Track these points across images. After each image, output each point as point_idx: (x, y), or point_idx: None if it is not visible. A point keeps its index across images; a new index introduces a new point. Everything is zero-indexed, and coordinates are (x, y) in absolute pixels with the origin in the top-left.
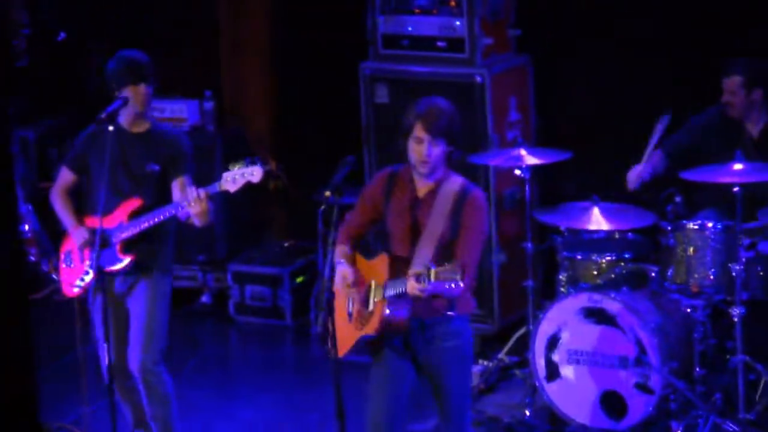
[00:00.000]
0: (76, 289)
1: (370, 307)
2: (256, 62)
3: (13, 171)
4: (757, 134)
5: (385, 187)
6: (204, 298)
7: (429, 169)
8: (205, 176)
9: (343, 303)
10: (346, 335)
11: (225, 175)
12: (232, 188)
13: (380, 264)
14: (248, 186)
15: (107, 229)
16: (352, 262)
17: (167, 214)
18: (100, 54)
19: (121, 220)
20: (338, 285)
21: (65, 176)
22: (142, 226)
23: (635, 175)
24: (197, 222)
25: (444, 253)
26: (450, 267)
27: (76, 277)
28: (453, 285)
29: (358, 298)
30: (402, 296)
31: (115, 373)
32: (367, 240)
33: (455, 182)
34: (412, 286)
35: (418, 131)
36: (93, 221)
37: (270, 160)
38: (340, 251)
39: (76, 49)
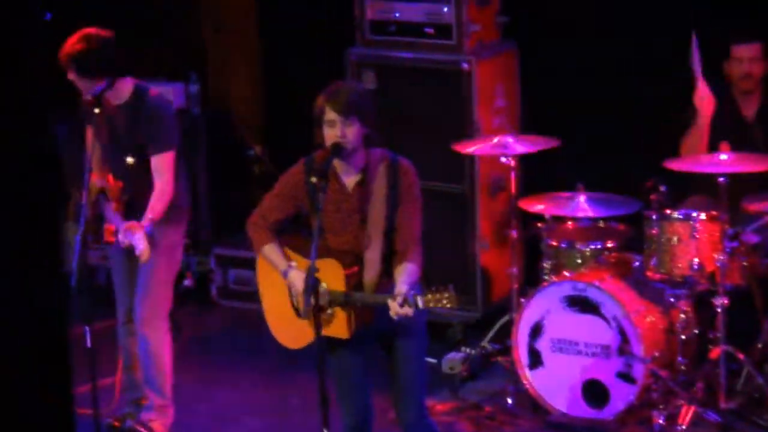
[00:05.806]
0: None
1: (329, 309)
2: (242, 46)
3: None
4: (751, 117)
5: (307, 179)
6: (186, 282)
7: (349, 151)
8: (189, 160)
9: (283, 297)
10: (300, 331)
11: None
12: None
13: (331, 268)
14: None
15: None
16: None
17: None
18: None
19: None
20: (295, 287)
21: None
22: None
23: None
24: None
25: (389, 236)
26: (439, 294)
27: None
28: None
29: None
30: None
31: (129, 317)
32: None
33: (378, 160)
34: (397, 312)
35: (328, 114)
36: (98, 179)
37: (254, 145)
38: (275, 250)
39: (62, 30)
